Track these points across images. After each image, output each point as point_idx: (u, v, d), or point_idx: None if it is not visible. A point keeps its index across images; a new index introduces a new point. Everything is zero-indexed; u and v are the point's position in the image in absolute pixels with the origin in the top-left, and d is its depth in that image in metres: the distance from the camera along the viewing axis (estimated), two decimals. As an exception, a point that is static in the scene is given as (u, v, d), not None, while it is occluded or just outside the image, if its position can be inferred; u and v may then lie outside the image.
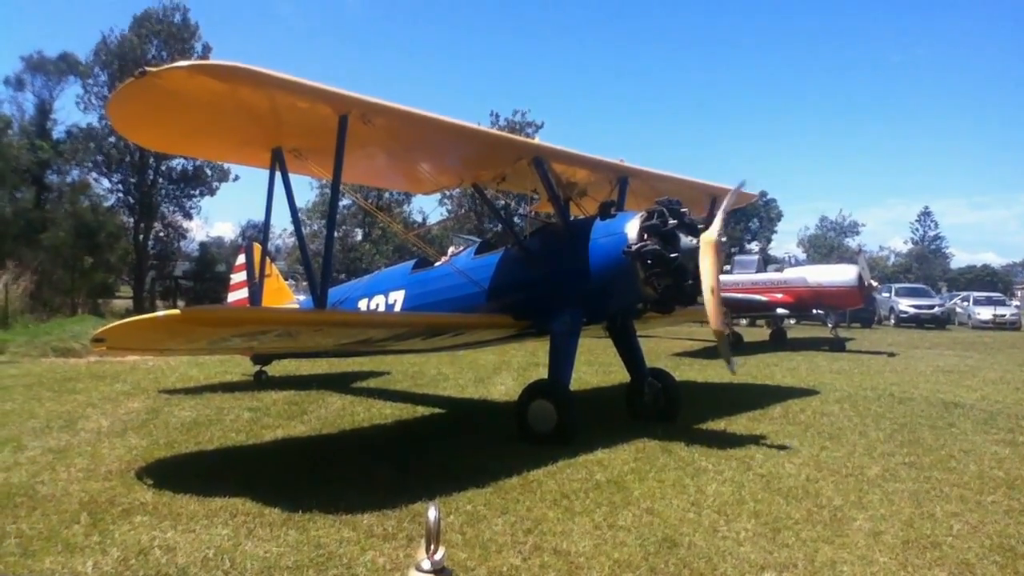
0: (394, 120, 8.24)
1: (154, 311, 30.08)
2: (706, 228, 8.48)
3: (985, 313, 40.67)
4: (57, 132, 37.77)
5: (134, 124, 8.48)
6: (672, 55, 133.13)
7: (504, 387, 13.25)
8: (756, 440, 8.84)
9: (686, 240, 8.48)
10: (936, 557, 5.24)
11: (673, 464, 7.65)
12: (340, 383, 13.44)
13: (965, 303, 44.46)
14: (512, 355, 17.63)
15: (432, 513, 2.61)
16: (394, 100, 7.97)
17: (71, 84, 37.42)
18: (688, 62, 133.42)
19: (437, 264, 10.85)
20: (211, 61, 6.87)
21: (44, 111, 37.54)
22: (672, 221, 8.54)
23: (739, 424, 9.92)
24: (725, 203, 8.70)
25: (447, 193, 40.16)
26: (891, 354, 21.30)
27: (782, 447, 8.47)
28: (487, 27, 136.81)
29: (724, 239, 8.43)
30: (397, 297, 10.86)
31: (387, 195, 44.33)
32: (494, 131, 22.57)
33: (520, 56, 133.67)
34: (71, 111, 61.23)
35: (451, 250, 11.45)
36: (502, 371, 15.39)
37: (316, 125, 7.74)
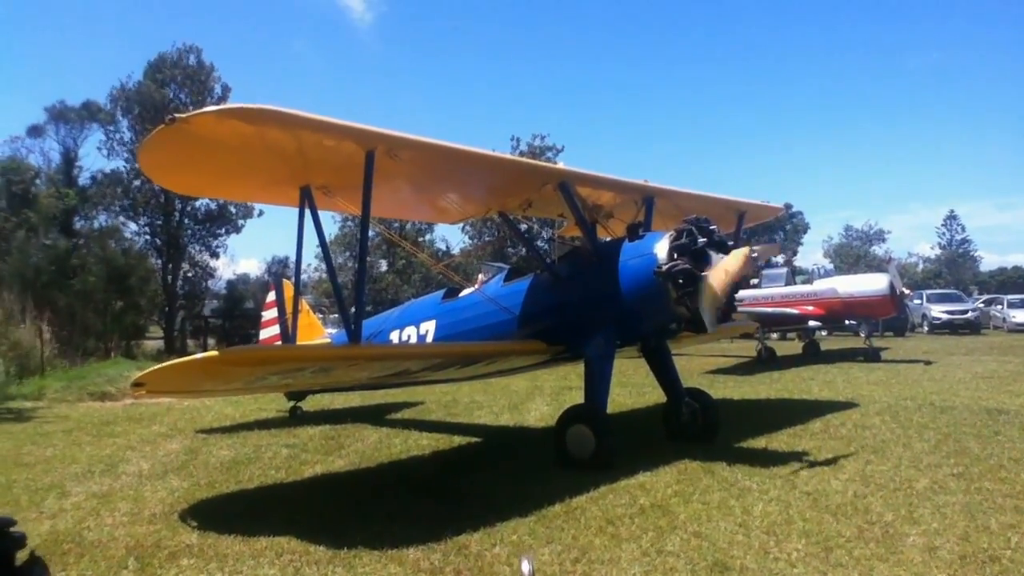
0: (420, 153, 8.30)
1: (185, 351, 30.35)
2: (736, 246, 8.44)
3: (1021, 316, 39.97)
4: (83, 179, 38.42)
5: (165, 170, 8.60)
6: (690, 71, 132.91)
7: (539, 412, 13.20)
8: (799, 456, 8.72)
9: (716, 258, 8.43)
10: (996, 572, 5.14)
11: (717, 485, 7.56)
12: (375, 415, 13.45)
13: (999, 307, 43.75)
14: (544, 380, 17.57)
15: (526, 567, 2.51)
16: (413, 131, 8.07)
17: (94, 131, 38.09)
18: (707, 77, 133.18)
19: (466, 293, 10.87)
20: (239, 105, 6.94)
21: (69, 159, 38.19)
22: (701, 239, 8.49)
23: (780, 441, 9.80)
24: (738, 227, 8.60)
25: (470, 221, 40.38)
26: (928, 362, 20.99)
27: (826, 463, 8.35)
28: (502, 54, 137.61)
29: (756, 255, 8.39)
30: (429, 327, 10.88)
31: (409, 225, 44.57)
32: (519, 158, 22.70)
33: (537, 80, 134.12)
34: (95, 158, 62.58)
35: (480, 278, 11.47)
36: (535, 396, 15.33)
37: (343, 162, 7.81)
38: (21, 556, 3.85)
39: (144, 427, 12.83)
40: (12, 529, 3.83)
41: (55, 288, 28.02)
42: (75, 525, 6.88)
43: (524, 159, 17.19)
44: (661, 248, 8.74)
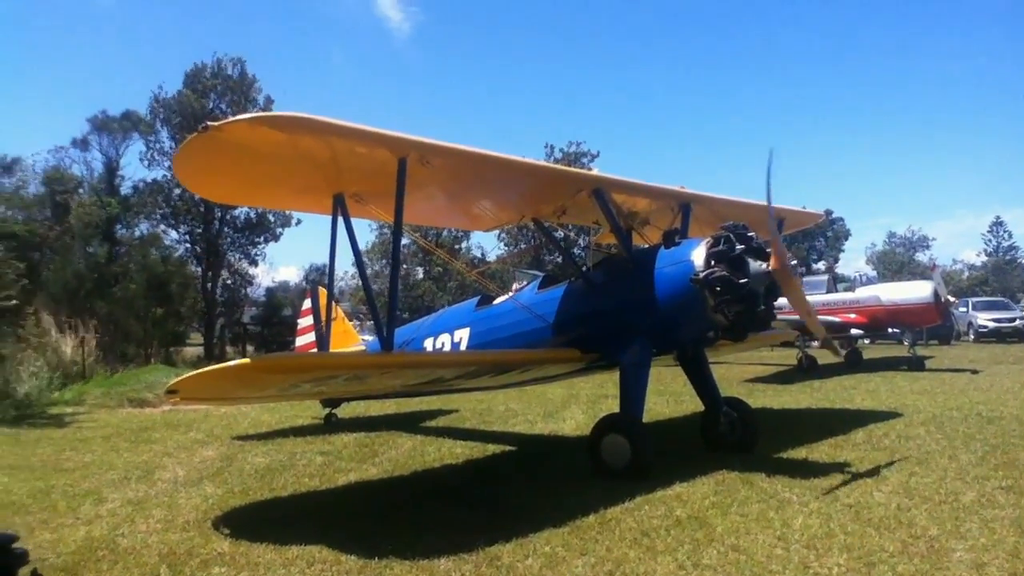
0: (452, 160, 8.26)
1: (224, 357, 30.71)
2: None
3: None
4: (124, 188, 39.04)
5: (199, 178, 8.66)
6: (728, 76, 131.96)
7: (574, 421, 13.08)
8: (840, 468, 8.51)
9: (755, 264, 8.27)
10: (1048, 590, 4.92)
11: (755, 497, 7.39)
12: (409, 423, 13.44)
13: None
14: (580, 388, 17.44)
15: None
16: (448, 139, 8.01)
17: (135, 141, 38.70)
18: (745, 82, 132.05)
19: (501, 300, 10.80)
20: (272, 113, 6.99)
21: (111, 169, 38.82)
22: (739, 246, 8.34)
23: (821, 451, 9.58)
24: (773, 230, 8.48)
25: (505, 228, 40.39)
26: (974, 371, 20.49)
27: (869, 474, 8.12)
28: (536, 59, 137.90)
29: (794, 262, 8.21)
30: (463, 335, 10.83)
31: (446, 232, 44.70)
32: (552, 165, 22.63)
33: (573, 87, 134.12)
34: (137, 167, 63.74)
35: (515, 286, 11.40)
36: (571, 405, 15.21)
37: (376, 169, 7.81)
38: (23, 573, 3.82)
39: (181, 433, 12.93)
40: (15, 546, 3.80)
41: (97, 296, 28.49)
42: (110, 532, 6.91)
43: (557, 166, 17.13)
44: (698, 255, 8.60)
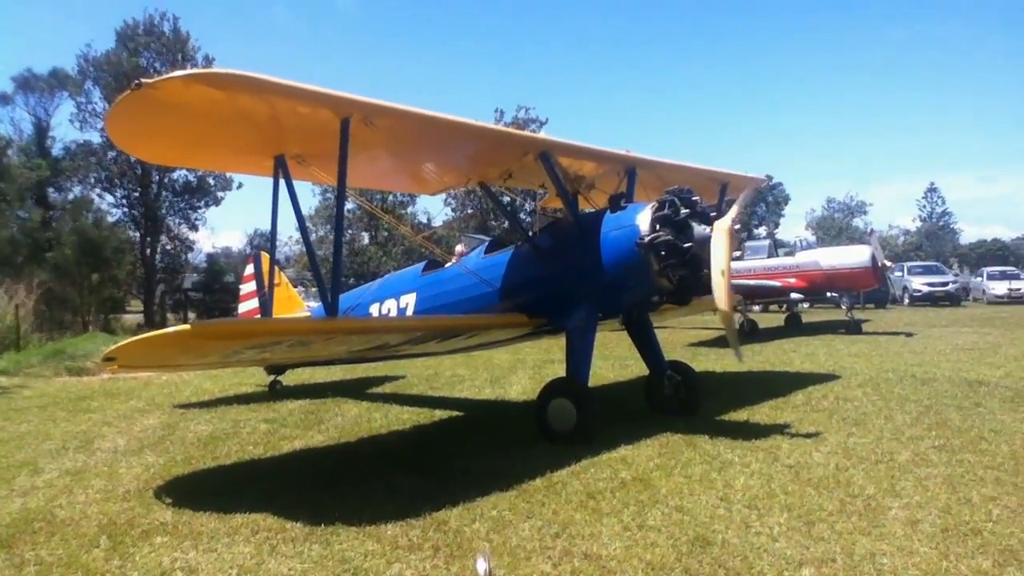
0: (397, 121, 8.09)
1: (165, 324, 30.11)
2: (719, 217, 8.33)
3: (1000, 288, 40.31)
4: (56, 150, 37.80)
5: (133, 138, 8.35)
6: (670, 41, 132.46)
7: (520, 386, 13.11)
8: (781, 429, 8.68)
9: (699, 229, 8.31)
10: (978, 544, 5.08)
11: (699, 458, 7.50)
12: (356, 389, 13.33)
13: (979, 278, 44.12)
14: (527, 353, 17.49)
15: (481, 565, 2.38)
16: (396, 101, 7.85)
17: (65, 101, 37.40)
18: (687, 47, 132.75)
19: (447, 265, 10.72)
20: (208, 70, 6.76)
21: (41, 129, 37.56)
22: (684, 210, 8.38)
23: (762, 413, 9.76)
24: (743, 196, 8.49)
25: (452, 193, 40.14)
26: (909, 334, 21.07)
27: (808, 435, 8.31)
28: (487, 24, 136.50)
29: (738, 227, 8.27)
30: (409, 300, 10.74)
31: (391, 197, 44.23)
32: (499, 127, 22.39)
33: (521, 51, 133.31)
34: (68, 128, 61.53)
35: (458, 248, 11.31)
36: (518, 370, 15.25)
37: (318, 130, 7.61)
38: None
39: (121, 402, 12.65)
40: None
41: (31, 262, 27.59)
42: (47, 503, 6.73)
43: (504, 128, 16.98)
44: (643, 219, 8.61)
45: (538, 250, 9.53)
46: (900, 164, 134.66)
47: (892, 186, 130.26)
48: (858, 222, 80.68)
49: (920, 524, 5.49)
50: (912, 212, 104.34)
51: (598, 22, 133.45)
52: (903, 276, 39.51)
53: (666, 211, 8.40)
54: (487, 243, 10.65)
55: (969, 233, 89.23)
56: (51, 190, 36.18)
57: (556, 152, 9.63)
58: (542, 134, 11.07)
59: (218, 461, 8.35)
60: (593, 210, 9.95)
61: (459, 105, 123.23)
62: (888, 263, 24.22)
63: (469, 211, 41.54)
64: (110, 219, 35.91)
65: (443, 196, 38.37)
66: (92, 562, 5.27)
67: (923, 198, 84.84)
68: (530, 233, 10.01)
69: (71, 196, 36.44)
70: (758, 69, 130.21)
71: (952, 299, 38.03)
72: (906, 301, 38.55)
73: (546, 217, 11.20)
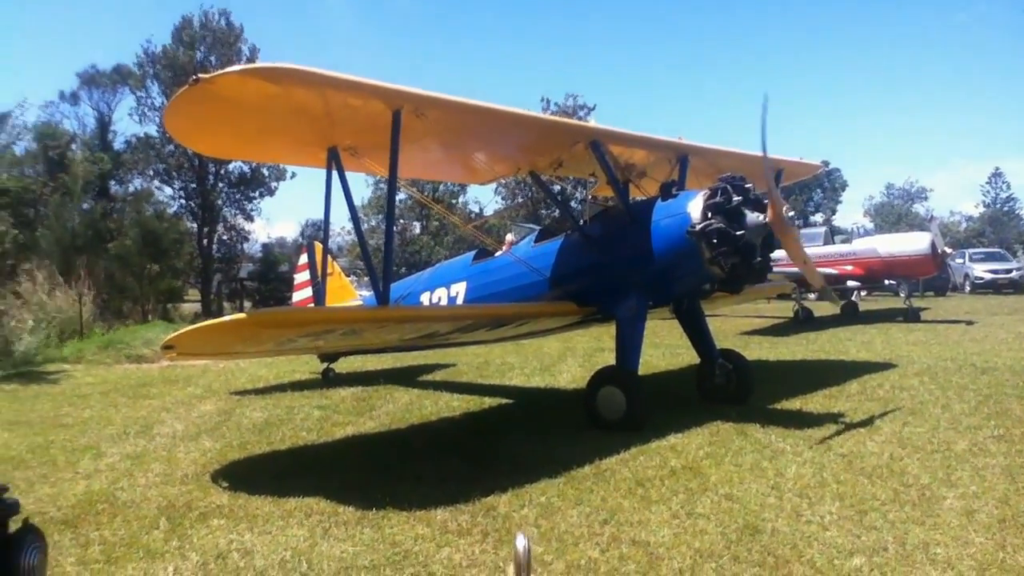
0: (447, 112, 8.17)
1: (221, 313, 30.70)
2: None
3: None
4: (118, 143, 38.71)
5: (190, 132, 8.57)
6: (723, 25, 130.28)
7: (570, 374, 13.14)
8: (834, 418, 8.57)
9: (752, 216, 8.23)
10: (1036, 536, 4.98)
11: (749, 447, 7.46)
12: (407, 377, 13.49)
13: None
14: (577, 341, 17.49)
15: (521, 542, 2.42)
16: (445, 91, 7.91)
17: (126, 96, 38.27)
18: (744, 31, 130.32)
19: (498, 254, 10.78)
20: (263, 64, 6.86)
21: (104, 123, 38.50)
22: (736, 198, 8.29)
23: (815, 402, 9.65)
24: (770, 183, 8.35)
25: (502, 182, 40.19)
26: (969, 322, 20.56)
27: (862, 424, 8.19)
28: (533, 11, 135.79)
29: (791, 212, 8.18)
30: (459, 289, 10.83)
31: (442, 187, 44.46)
32: (549, 116, 22.38)
33: (569, 38, 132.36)
34: (129, 122, 63.30)
35: (508, 237, 11.35)
36: (567, 358, 15.27)
37: (370, 122, 7.71)
38: (15, 523, 3.80)
39: (179, 389, 12.99)
40: (6, 495, 3.73)
41: (92, 252, 28.34)
42: (109, 485, 6.97)
43: (554, 117, 16.95)
44: (695, 207, 8.56)
45: (588, 239, 9.53)
46: (963, 148, 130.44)
47: (955, 171, 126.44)
48: (918, 208, 78.71)
49: (976, 514, 5.39)
50: (975, 198, 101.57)
51: (644, 3, 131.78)
52: (964, 263, 38.48)
53: (718, 199, 8.34)
54: (537, 232, 10.68)
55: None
56: (112, 183, 37.10)
57: (607, 141, 9.62)
58: (592, 122, 11.02)
59: (272, 446, 8.55)
60: (644, 198, 9.91)
61: (505, 93, 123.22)
62: (948, 250, 23.63)
63: (519, 200, 41.53)
64: (169, 211, 36.73)
65: (494, 186, 38.40)
66: (152, 543, 5.45)
67: (987, 183, 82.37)
68: (580, 222, 10.01)
69: (131, 188, 37.38)
70: (817, 52, 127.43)
71: (1016, 287, 36.93)
72: (967, 288, 37.56)
73: (597, 206, 11.18)
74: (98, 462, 7.89)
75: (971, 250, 43.63)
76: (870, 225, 70.04)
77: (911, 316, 21.48)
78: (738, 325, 21.78)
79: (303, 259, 14.65)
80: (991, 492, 5.87)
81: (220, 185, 39.27)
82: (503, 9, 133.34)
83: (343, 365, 14.25)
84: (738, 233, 8.14)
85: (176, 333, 6.86)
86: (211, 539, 5.47)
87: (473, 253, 11.37)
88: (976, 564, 4.61)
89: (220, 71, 6.64)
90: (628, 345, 8.99)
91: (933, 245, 21.71)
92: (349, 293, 14.52)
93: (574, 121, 16.49)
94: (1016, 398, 9.48)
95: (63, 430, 9.63)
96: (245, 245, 43.66)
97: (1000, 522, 5.24)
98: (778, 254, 9.06)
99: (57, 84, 75.87)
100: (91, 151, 35.58)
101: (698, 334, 10.24)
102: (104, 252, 29.32)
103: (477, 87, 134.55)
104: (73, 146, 35.19)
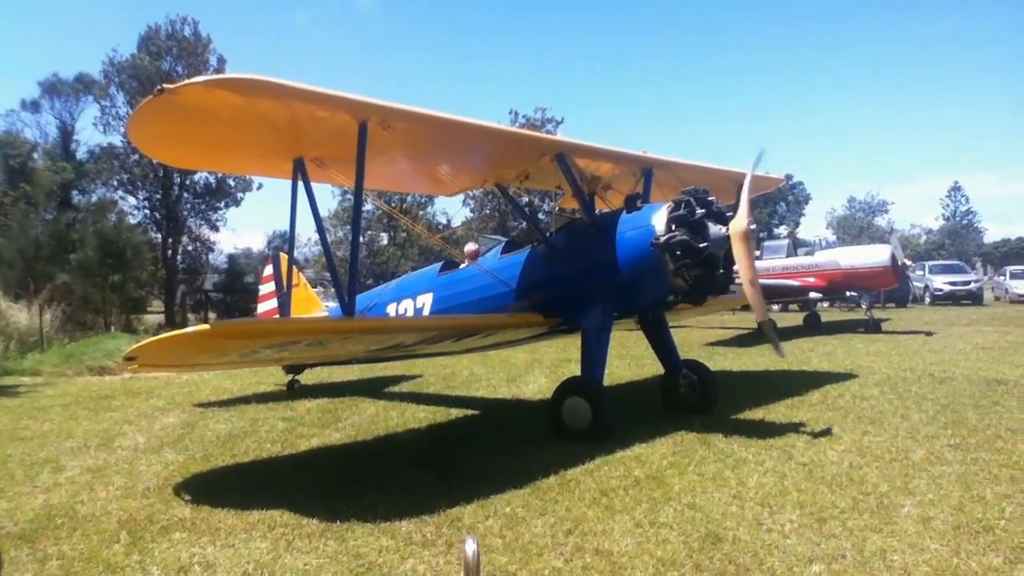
0: (414, 124, 8.19)
1: (185, 325, 30.32)
2: (733, 217, 8.36)
3: (1022, 287, 39.85)
4: (81, 153, 38.25)
5: (155, 142, 8.50)
6: (691, 40, 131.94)
7: (536, 385, 13.17)
8: (796, 428, 8.70)
9: (715, 229, 8.34)
10: (989, 542, 5.10)
11: (712, 456, 7.54)
12: (373, 389, 13.44)
13: (1001, 277, 43.64)
14: (543, 352, 17.54)
15: (470, 546, 2.45)
16: (413, 104, 7.94)
17: (90, 104, 37.86)
18: (707, 46, 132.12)
19: (464, 266, 10.80)
20: (228, 75, 6.84)
21: (67, 132, 38.02)
22: (700, 210, 8.41)
23: (777, 412, 9.77)
24: (745, 189, 8.48)
25: (470, 194, 40.24)
26: (928, 333, 20.94)
27: (823, 434, 8.33)
28: (502, 26, 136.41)
29: (754, 226, 8.29)
30: (425, 300, 10.83)
31: (409, 198, 44.37)
32: (515, 129, 22.45)
33: (537, 53, 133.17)
34: (93, 131, 62.58)
35: (468, 247, 11.37)
36: (534, 369, 15.31)
37: (336, 133, 7.72)
38: None
39: (142, 401, 12.82)
40: None
41: (55, 263, 27.90)
42: (69, 499, 6.87)
43: (520, 130, 17.04)
44: (659, 219, 8.66)
45: (554, 250, 9.59)
46: (924, 163, 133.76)
47: (915, 185, 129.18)
48: (880, 221, 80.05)
49: (932, 521, 5.51)
50: (935, 211, 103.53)
51: (613, 19, 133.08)
52: (924, 275, 39.18)
53: (682, 211, 8.44)
54: (504, 243, 10.73)
55: (994, 232, 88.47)
56: (75, 192, 36.60)
57: (572, 153, 9.70)
58: (558, 135, 11.14)
59: (236, 459, 8.47)
60: (609, 210, 10.00)
61: (474, 106, 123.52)
62: (908, 262, 24.07)
63: (487, 212, 41.57)
64: (132, 221, 36.26)
65: (461, 197, 38.44)
66: (112, 557, 5.39)
67: (947, 197, 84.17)
68: (547, 234, 10.07)
69: (95, 199, 36.88)
70: (780, 67, 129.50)
71: (974, 298, 37.65)
72: (927, 300, 38.22)
73: (563, 218, 11.26)
74: (57, 476, 7.77)
75: (931, 262, 44.45)
76: (832, 238, 71.14)
77: (872, 327, 21.84)
78: (703, 336, 21.97)
79: (268, 270, 14.53)
80: (947, 500, 6.00)
81: (185, 195, 38.91)
82: (475, 24, 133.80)
83: (308, 377, 14.17)
84: (701, 245, 8.25)
85: (139, 344, 6.79)
86: (173, 553, 5.42)
87: (440, 264, 11.38)
88: (931, 570, 4.71)
89: (185, 81, 6.61)
90: (593, 356, 9.04)
91: (893, 257, 22.12)
92: (315, 304, 14.43)
93: (540, 134, 16.58)
94: (973, 407, 9.68)
95: (21, 443, 9.46)
96: (210, 256, 43.32)
97: (955, 529, 5.35)
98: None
99: (19, 93, 74.52)
100: (53, 160, 35.08)
101: (662, 345, 10.32)
102: (66, 262, 28.87)
103: (448, 100, 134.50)
104: (35, 155, 34.68)
